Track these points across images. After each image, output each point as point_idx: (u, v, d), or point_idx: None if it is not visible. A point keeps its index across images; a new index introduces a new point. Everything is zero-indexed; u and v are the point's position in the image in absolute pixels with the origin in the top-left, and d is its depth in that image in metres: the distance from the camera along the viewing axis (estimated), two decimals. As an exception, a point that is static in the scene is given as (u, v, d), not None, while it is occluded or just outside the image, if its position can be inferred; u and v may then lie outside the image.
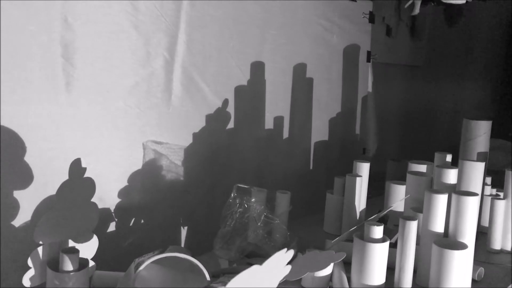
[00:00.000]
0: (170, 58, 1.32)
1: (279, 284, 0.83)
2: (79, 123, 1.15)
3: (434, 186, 1.19)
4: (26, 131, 1.05)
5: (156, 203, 1.35)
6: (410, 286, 1.06)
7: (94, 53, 1.15)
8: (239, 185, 1.26)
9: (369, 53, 2.07)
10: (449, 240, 1.07)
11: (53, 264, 0.89)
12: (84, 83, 1.14)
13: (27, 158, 1.05)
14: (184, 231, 1.44)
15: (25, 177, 1.06)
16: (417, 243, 1.09)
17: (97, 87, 1.17)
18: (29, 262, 0.89)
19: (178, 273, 1.03)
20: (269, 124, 1.67)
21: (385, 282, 1.07)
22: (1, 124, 1.01)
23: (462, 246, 1.04)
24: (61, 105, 1.11)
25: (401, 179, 1.49)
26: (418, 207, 1.20)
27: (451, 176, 1.16)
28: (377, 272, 1.05)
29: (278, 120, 1.70)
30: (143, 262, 1.00)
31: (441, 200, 1.08)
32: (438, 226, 1.08)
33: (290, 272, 0.86)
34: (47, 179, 1.05)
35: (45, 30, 1.06)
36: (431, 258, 1.04)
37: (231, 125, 1.53)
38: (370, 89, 2.14)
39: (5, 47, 1.00)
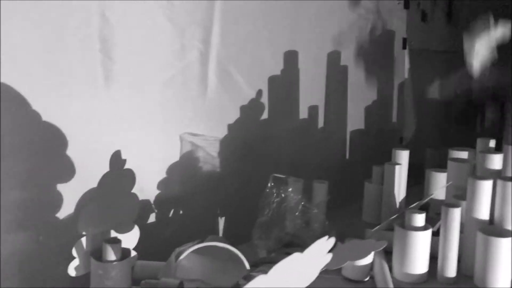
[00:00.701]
0: (205, 50, 1.32)
1: (319, 273, 0.82)
2: (118, 116, 1.16)
3: (478, 172, 1.16)
4: (68, 126, 1.06)
5: (194, 194, 1.35)
6: (455, 275, 1.04)
7: (131, 47, 1.16)
8: (276, 175, 1.26)
9: (404, 40, 2.03)
10: (494, 228, 1.03)
11: (97, 254, 0.91)
12: (122, 78, 1.15)
13: (70, 152, 1.07)
14: (221, 222, 1.44)
15: (68, 171, 1.08)
16: (461, 231, 1.06)
17: (135, 81, 1.18)
18: (74, 252, 0.91)
19: (218, 262, 1.04)
20: (303, 114, 1.66)
21: (428, 271, 1.05)
22: (44, 119, 1.03)
23: (509, 234, 1.01)
24: (101, 100, 1.12)
25: (441, 167, 1.46)
26: (460, 195, 1.17)
27: (496, 161, 1.13)
28: (419, 260, 1.03)
29: (313, 110, 1.69)
30: (183, 251, 1.01)
31: (486, 186, 1.05)
32: (483, 213, 1.05)
33: (330, 261, 0.85)
34: (89, 172, 1.07)
35: (83, 25, 1.08)
36: (476, 246, 1.02)
37: (265, 115, 1.53)
38: (406, 76, 2.10)
39: (45, 43, 1.02)
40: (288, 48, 1.56)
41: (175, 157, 1.30)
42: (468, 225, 1.07)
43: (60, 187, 1.07)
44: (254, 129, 1.50)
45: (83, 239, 0.92)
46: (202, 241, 1.05)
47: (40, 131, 1.03)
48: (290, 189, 1.24)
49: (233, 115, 1.43)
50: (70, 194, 1.08)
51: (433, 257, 1.06)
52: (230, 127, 1.42)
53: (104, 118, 1.13)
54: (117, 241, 0.92)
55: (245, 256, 1.02)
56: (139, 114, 1.21)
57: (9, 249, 1.01)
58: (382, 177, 1.38)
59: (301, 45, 1.59)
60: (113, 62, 1.13)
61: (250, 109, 1.47)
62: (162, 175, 1.28)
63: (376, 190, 1.39)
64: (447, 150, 1.38)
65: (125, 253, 0.93)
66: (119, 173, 0.95)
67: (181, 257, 1.01)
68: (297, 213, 1.23)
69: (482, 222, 1.05)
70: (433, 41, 2.32)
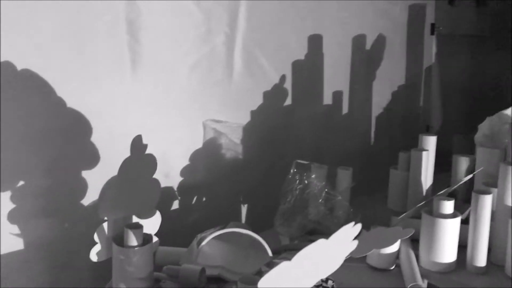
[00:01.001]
0: (231, 34, 1.30)
1: (344, 261, 0.80)
2: (144, 100, 1.15)
3: (509, 158, 1.12)
4: (94, 110, 1.06)
5: (217, 181, 1.34)
6: (484, 264, 1.00)
7: (158, 30, 1.15)
8: (299, 161, 1.24)
9: (433, 25, 1.97)
10: (527, 216, 1.00)
11: (118, 239, 0.90)
12: (149, 61, 1.14)
13: (94, 137, 1.07)
14: (244, 209, 1.43)
15: (92, 157, 1.08)
16: (491, 219, 1.02)
17: (161, 65, 1.17)
18: (95, 238, 0.91)
19: (240, 249, 1.03)
20: (327, 99, 1.63)
21: (456, 260, 1.02)
22: (69, 104, 1.02)
23: (542, 222, 0.97)
24: (127, 83, 1.12)
25: (469, 154, 1.41)
26: (490, 181, 1.13)
27: (529, 147, 1.09)
28: (447, 249, 1.00)
29: (337, 95, 1.65)
30: (205, 237, 1.00)
31: (518, 173, 1.01)
32: (515, 200, 1.02)
33: (355, 249, 0.82)
34: (113, 156, 1.06)
35: (110, 7, 1.06)
36: (508, 235, 0.98)
37: (289, 101, 1.50)
38: (434, 61, 2.04)
39: (71, 25, 1.01)
40: (313, 32, 1.52)
41: (200, 143, 1.29)
42: (499, 213, 1.04)
43: (85, 173, 1.07)
44: (277, 115, 1.48)
45: (105, 225, 0.91)
46: (224, 227, 1.04)
47: (65, 117, 1.03)
48: (314, 176, 1.21)
49: (258, 100, 1.41)
50: (95, 180, 1.07)
51: (461, 246, 1.02)
52: (253, 113, 1.40)
53: (130, 102, 1.13)
54: (138, 227, 0.91)
55: (267, 243, 1.00)
56: (165, 98, 1.20)
57: (35, 235, 1.01)
58: (408, 164, 1.34)
59: (327, 29, 1.56)
60: (140, 44, 1.12)
61: (273, 95, 1.45)
62: (187, 160, 1.27)
63: (402, 177, 1.36)
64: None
65: (146, 238, 0.92)
66: (140, 158, 0.94)
67: (203, 243, 1.00)
68: (320, 200, 1.20)
69: (514, 209, 1.01)
70: (461, 25, 2.25)
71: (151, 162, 0.96)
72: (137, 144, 0.93)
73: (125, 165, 0.91)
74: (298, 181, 1.22)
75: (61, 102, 1.02)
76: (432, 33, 1.98)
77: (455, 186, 1.15)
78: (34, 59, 0.97)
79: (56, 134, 1.02)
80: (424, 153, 1.29)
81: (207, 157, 1.31)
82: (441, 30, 2.03)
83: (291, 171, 1.22)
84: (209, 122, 1.31)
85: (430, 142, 1.33)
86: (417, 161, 1.30)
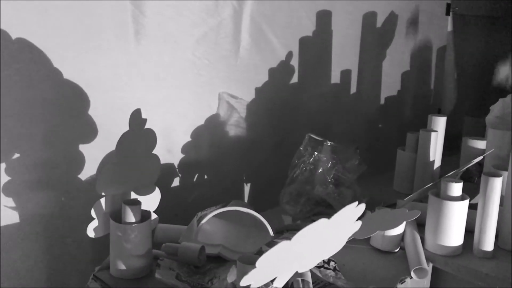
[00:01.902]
0: (239, 7, 1.26)
1: (346, 242, 0.77)
2: (147, 73, 1.12)
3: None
4: (95, 81, 1.03)
5: (221, 158, 1.32)
6: (492, 248, 0.97)
7: (163, 1, 1.11)
8: (312, 135, 1.20)
9: (448, 5, 1.92)
10: (538, 200, 0.96)
11: (116, 215, 0.88)
12: (153, 32, 1.11)
13: (95, 108, 1.04)
14: (247, 187, 1.41)
15: (91, 130, 1.06)
16: (500, 204, 0.99)
17: (166, 37, 1.14)
18: (93, 213, 0.89)
19: (241, 228, 1.01)
20: (335, 78, 1.59)
21: (463, 244, 0.99)
22: (67, 75, 1.00)
23: (554, 207, 0.93)
24: (131, 54, 1.08)
25: (480, 136, 1.38)
26: (500, 164, 1.10)
27: (542, 129, 1.05)
28: (454, 232, 0.97)
29: (346, 74, 1.61)
30: (205, 215, 0.98)
31: (530, 156, 0.97)
32: (526, 184, 0.98)
33: (359, 230, 0.80)
34: (113, 130, 1.03)
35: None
36: (517, 219, 0.95)
37: (295, 79, 1.47)
38: (449, 42, 1.99)
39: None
40: (323, 8, 1.48)
41: (204, 118, 1.26)
42: (509, 197, 1.00)
43: (84, 147, 1.05)
44: (284, 92, 1.44)
45: (102, 200, 0.89)
46: (225, 206, 1.02)
47: (64, 88, 1.00)
48: (324, 153, 1.18)
49: (264, 76, 1.38)
50: (94, 154, 1.05)
51: (467, 231, 0.99)
52: (258, 90, 1.37)
53: (133, 74, 1.10)
54: (137, 203, 0.89)
55: (269, 223, 0.98)
56: (170, 72, 1.16)
57: (32, 209, 1.00)
58: (416, 145, 1.31)
59: (337, 5, 1.51)
60: (144, 16, 1.08)
61: (281, 72, 1.41)
62: (189, 136, 1.24)
63: (409, 158, 1.32)
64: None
65: (145, 215, 0.90)
66: (139, 133, 0.91)
67: (203, 221, 0.97)
68: (329, 179, 1.17)
69: (524, 193, 0.98)
70: (475, 5, 2.19)
71: (150, 137, 0.94)
72: (136, 118, 0.91)
73: (123, 140, 0.89)
74: (308, 155, 1.19)
75: (60, 72, 0.99)
76: (447, 13, 1.93)
77: (463, 168, 1.11)
78: (35, 27, 0.94)
79: (54, 105, 0.99)
80: (433, 134, 1.26)
81: (212, 132, 1.28)
82: (457, 10, 1.97)
83: (303, 143, 1.19)
84: (225, 95, 1.28)
85: (440, 123, 1.30)
86: (426, 142, 1.27)
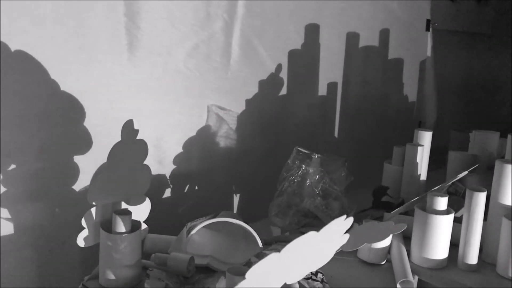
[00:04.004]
0: (230, 20, 1.28)
1: (334, 254, 0.79)
2: (140, 85, 1.13)
3: (506, 155, 1.11)
4: (88, 92, 1.04)
5: (211, 170, 1.33)
6: (476, 262, 0.99)
7: (156, 12, 1.13)
8: (299, 148, 1.22)
9: (428, 21, 1.96)
10: (520, 214, 0.99)
11: (106, 225, 0.89)
12: (146, 44, 1.12)
13: (88, 119, 1.05)
14: (236, 198, 1.42)
15: (85, 142, 1.06)
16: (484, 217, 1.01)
17: (159, 48, 1.15)
18: (83, 223, 0.89)
19: (230, 239, 1.01)
20: (322, 90, 1.61)
21: (448, 257, 1.01)
22: (63, 85, 1.00)
23: (536, 221, 0.96)
24: (124, 66, 1.10)
25: (464, 150, 1.40)
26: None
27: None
28: (440, 245, 0.99)
29: (332, 86, 1.64)
30: (195, 226, 0.99)
31: (513, 171, 1.00)
32: (509, 198, 1.00)
33: (347, 242, 0.81)
34: (107, 141, 1.04)
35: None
36: (501, 233, 0.97)
37: (284, 91, 1.48)
38: (429, 56, 2.02)
39: (70, 5, 0.98)
40: (311, 21, 1.50)
41: (195, 130, 1.27)
42: (493, 211, 1.02)
43: (78, 158, 1.05)
44: (272, 104, 1.46)
45: (93, 210, 0.90)
46: (214, 217, 1.03)
47: (58, 100, 1.00)
48: (312, 165, 1.20)
49: (254, 88, 1.39)
50: (88, 165, 1.06)
51: (452, 244, 1.01)
52: (248, 101, 1.39)
53: (125, 85, 1.11)
54: (127, 213, 0.89)
55: (258, 234, 0.99)
56: (161, 83, 1.18)
57: (26, 219, 1.00)
58: (402, 158, 1.33)
59: (325, 19, 1.54)
60: (138, 27, 1.09)
61: (269, 84, 1.43)
62: (181, 148, 1.25)
63: (395, 172, 1.34)
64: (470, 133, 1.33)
65: (135, 225, 0.90)
66: (131, 144, 0.92)
67: (193, 232, 0.98)
68: (317, 191, 1.19)
69: (507, 208, 1.00)
70: (460, 21, 2.23)
71: (142, 148, 0.94)
72: (128, 129, 0.91)
73: (115, 150, 0.89)
74: (296, 168, 1.20)
75: (55, 84, 0.99)
76: (427, 29, 1.97)
77: (449, 183, 1.14)
78: (31, 38, 0.94)
79: (49, 117, 1.00)
80: (419, 148, 1.28)
81: (203, 144, 1.29)
82: (436, 26, 2.01)
83: (291, 157, 1.21)
84: (214, 107, 1.29)
85: (426, 138, 1.32)
86: (411, 156, 1.29)
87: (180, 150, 1.25)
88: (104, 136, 1.06)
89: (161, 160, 1.21)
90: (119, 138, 0.90)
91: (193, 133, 1.27)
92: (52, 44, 0.97)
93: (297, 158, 1.20)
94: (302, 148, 1.21)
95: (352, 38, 1.65)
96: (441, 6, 2.07)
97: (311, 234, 0.66)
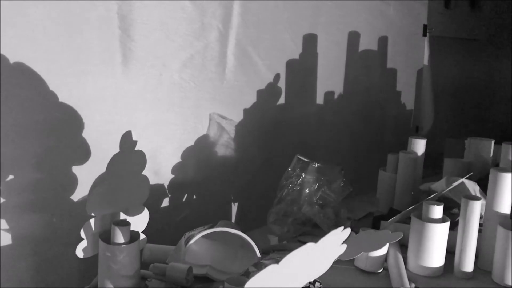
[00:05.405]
0: (225, 30, 1.29)
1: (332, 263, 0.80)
2: (135, 96, 1.14)
3: (501, 164, 1.12)
4: (84, 104, 1.05)
5: (209, 178, 1.33)
6: (472, 269, 1.00)
7: (150, 24, 1.13)
8: (300, 157, 1.23)
9: (425, 26, 1.98)
10: (515, 222, 1.00)
11: (105, 236, 0.89)
12: (141, 56, 1.13)
13: (85, 132, 1.06)
14: (234, 207, 1.42)
15: (83, 152, 1.07)
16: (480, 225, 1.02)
17: (153, 60, 1.16)
18: (82, 234, 0.90)
19: (228, 248, 1.02)
20: (320, 99, 1.62)
21: (444, 265, 1.02)
22: (60, 98, 1.01)
23: (531, 229, 0.97)
24: (118, 78, 1.10)
25: (460, 157, 1.41)
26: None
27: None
28: (436, 253, 1.00)
29: (329, 95, 1.65)
30: (193, 236, 0.99)
31: (508, 179, 1.01)
32: (504, 206, 1.01)
33: (344, 251, 0.82)
34: (104, 152, 1.05)
35: (102, 1, 1.05)
36: (496, 241, 0.98)
37: (281, 100, 1.49)
38: (426, 63, 2.04)
39: (64, 18, 0.99)
40: (309, 31, 1.52)
41: (192, 140, 1.28)
42: (488, 219, 1.04)
43: (75, 169, 1.06)
44: (270, 113, 1.47)
45: (92, 221, 0.90)
46: (213, 226, 1.03)
47: (55, 111, 1.01)
48: (311, 174, 1.21)
49: (250, 98, 1.40)
50: (86, 176, 1.06)
51: (448, 252, 1.02)
52: (246, 111, 1.40)
53: (120, 97, 1.11)
54: (126, 224, 0.90)
55: (256, 243, 1.00)
56: (156, 94, 1.18)
57: (24, 230, 1.00)
58: (396, 166, 1.34)
59: (321, 28, 1.55)
60: (132, 39, 1.10)
61: (267, 93, 1.44)
62: (177, 158, 1.26)
63: (390, 179, 1.35)
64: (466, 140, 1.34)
65: (134, 235, 0.91)
66: (129, 154, 0.92)
67: (191, 241, 0.99)
68: (315, 199, 1.20)
69: (502, 216, 1.01)
70: (455, 27, 2.25)
71: (140, 159, 0.95)
72: (127, 140, 0.92)
73: (114, 161, 0.90)
74: (295, 177, 1.21)
75: (51, 96, 1.00)
76: (424, 34, 1.98)
77: (445, 191, 1.15)
78: (25, 51, 0.95)
79: (46, 128, 1.00)
80: (411, 156, 1.29)
81: (201, 153, 1.30)
82: (433, 31, 2.03)
83: (291, 165, 1.22)
84: (216, 116, 1.30)
85: (420, 145, 1.33)
86: (405, 164, 1.30)
87: (176, 160, 1.25)
88: (100, 147, 1.07)
89: (156, 171, 1.21)
90: (115, 150, 0.91)
91: (189, 143, 1.27)
92: (46, 57, 0.98)
93: (297, 166, 1.21)
94: (303, 157, 1.22)
95: (349, 46, 1.66)
96: (437, 12, 2.09)
97: (309, 245, 0.67)
